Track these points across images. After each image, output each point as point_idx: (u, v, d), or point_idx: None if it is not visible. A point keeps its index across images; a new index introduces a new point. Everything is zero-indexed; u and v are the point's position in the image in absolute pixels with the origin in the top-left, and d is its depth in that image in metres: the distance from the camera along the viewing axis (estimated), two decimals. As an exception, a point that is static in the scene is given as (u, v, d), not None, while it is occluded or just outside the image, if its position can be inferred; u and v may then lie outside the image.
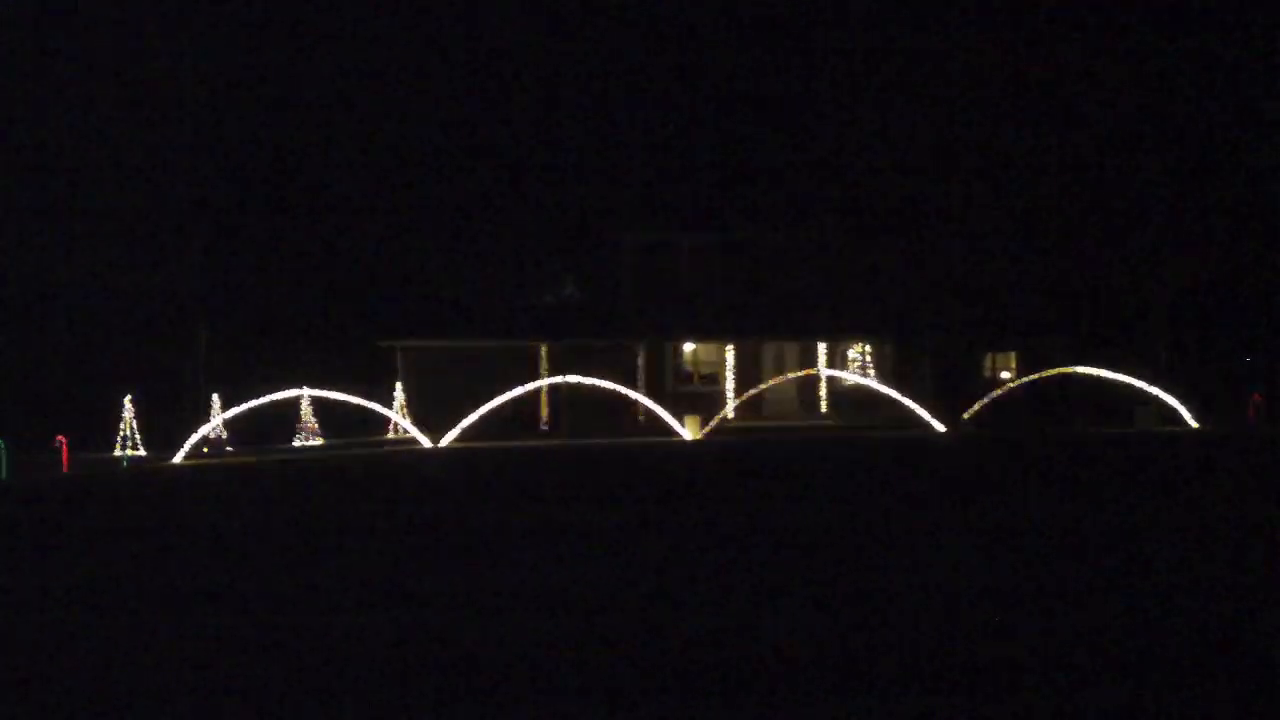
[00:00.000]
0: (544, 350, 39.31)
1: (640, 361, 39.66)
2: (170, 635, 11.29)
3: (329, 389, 34.50)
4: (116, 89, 49.79)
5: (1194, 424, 34.82)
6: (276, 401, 33.91)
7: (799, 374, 38.70)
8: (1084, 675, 9.41)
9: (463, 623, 11.55)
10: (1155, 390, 35.77)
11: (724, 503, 20.31)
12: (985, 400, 35.76)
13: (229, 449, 34.52)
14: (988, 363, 43.25)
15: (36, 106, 49.04)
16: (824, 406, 40.39)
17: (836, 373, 39.43)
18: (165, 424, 35.22)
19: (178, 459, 32.07)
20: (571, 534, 16.92)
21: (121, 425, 34.64)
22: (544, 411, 38.76)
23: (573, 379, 35.50)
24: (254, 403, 33.52)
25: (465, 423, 34.25)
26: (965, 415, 35.50)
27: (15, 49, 48.96)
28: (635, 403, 37.52)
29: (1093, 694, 8.96)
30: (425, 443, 33.86)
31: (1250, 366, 42.39)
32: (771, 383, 37.71)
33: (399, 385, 38.23)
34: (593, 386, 35.52)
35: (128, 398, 34.76)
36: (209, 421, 34.40)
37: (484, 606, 12.20)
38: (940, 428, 34.97)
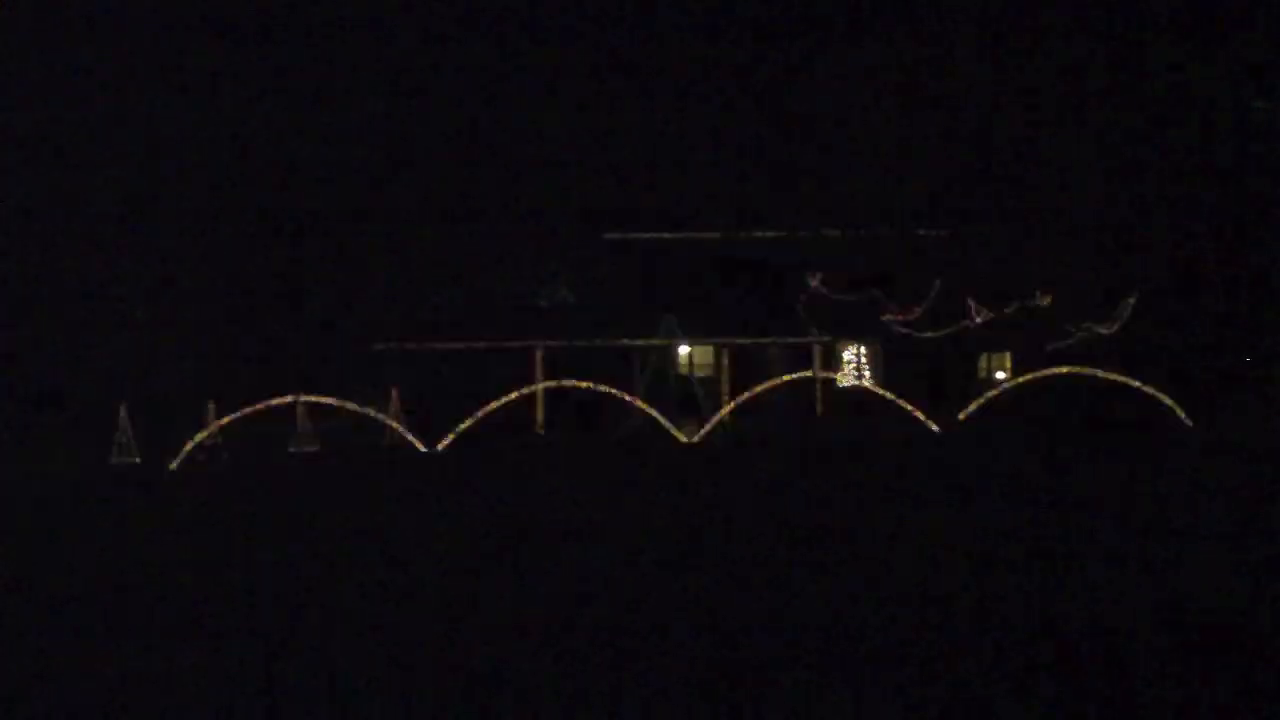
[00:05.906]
0: (539, 352, 39.26)
1: (636, 363, 39.60)
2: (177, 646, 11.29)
3: (324, 393, 34.42)
4: (108, 88, 49.65)
5: (1188, 422, 34.82)
6: (272, 406, 33.82)
7: (795, 375, 38.61)
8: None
9: (473, 627, 11.56)
10: (1150, 389, 35.74)
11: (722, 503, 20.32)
12: (980, 400, 35.73)
13: (225, 455, 34.42)
14: (983, 362, 43.22)
15: (30, 106, 48.90)
16: (820, 408, 40.32)
17: (832, 374, 39.38)
18: (160, 430, 35.08)
19: (173, 465, 31.99)
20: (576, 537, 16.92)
21: (117, 431, 34.50)
22: (539, 414, 38.70)
23: (568, 381, 35.46)
24: (249, 409, 33.43)
25: (461, 426, 34.19)
26: (960, 416, 35.48)
27: (10, 46, 48.84)
28: (631, 405, 37.45)
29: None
30: (421, 446, 33.81)
31: (1245, 365, 42.37)
32: (768, 384, 37.65)
33: (394, 389, 38.12)
34: (588, 389, 35.47)
35: (122, 403, 34.63)
36: (205, 427, 34.31)
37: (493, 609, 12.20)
38: (935, 428, 34.96)
